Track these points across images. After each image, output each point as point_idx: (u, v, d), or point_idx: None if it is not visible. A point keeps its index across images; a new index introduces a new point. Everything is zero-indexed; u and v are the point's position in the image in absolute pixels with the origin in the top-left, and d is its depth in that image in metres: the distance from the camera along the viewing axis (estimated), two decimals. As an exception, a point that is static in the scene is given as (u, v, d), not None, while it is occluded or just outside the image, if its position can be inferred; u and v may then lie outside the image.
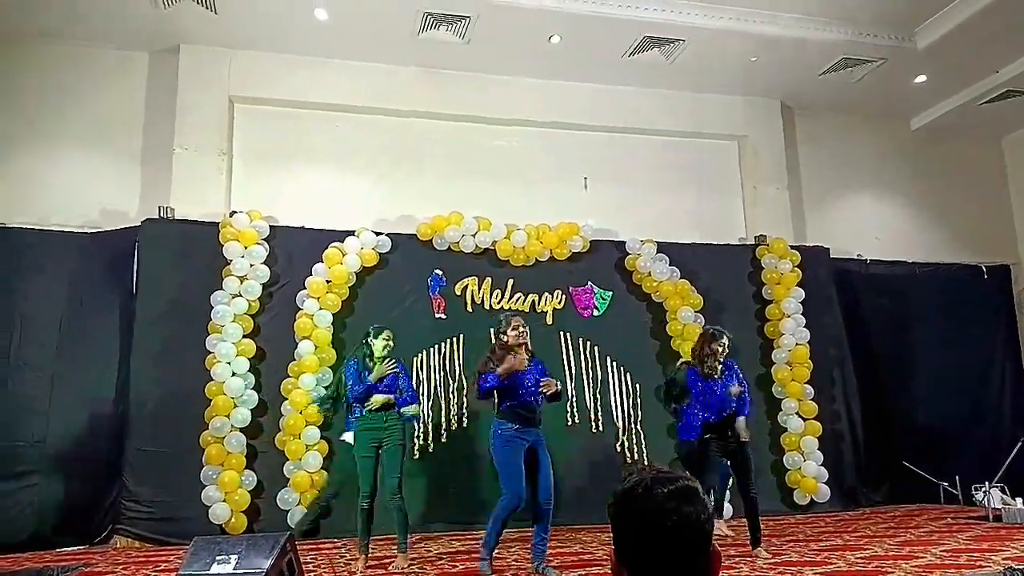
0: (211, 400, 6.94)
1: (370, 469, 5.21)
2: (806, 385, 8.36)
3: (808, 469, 8.12)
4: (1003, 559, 4.69)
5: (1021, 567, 4.26)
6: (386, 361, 5.31)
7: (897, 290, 9.38)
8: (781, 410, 8.30)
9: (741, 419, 5.51)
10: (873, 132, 9.94)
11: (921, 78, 9.00)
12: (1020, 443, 7.95)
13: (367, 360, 5.35)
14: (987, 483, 7.23)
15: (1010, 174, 10.46)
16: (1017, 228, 10.30)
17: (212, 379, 6.99)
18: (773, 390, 8.39)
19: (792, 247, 8.79)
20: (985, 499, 7.07)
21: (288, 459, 7.01)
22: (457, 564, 5.33)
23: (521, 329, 5.03)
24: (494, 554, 4.90)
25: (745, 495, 5.46)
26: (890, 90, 9.22)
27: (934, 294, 9.46)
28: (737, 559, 5.17)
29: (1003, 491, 7.33)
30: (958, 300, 9.52)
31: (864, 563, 4.82)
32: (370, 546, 5.24)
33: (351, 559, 5.56)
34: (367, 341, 5.42)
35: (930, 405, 9.07)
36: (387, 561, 5.35)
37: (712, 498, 5.89)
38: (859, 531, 6.48)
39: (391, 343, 5.42)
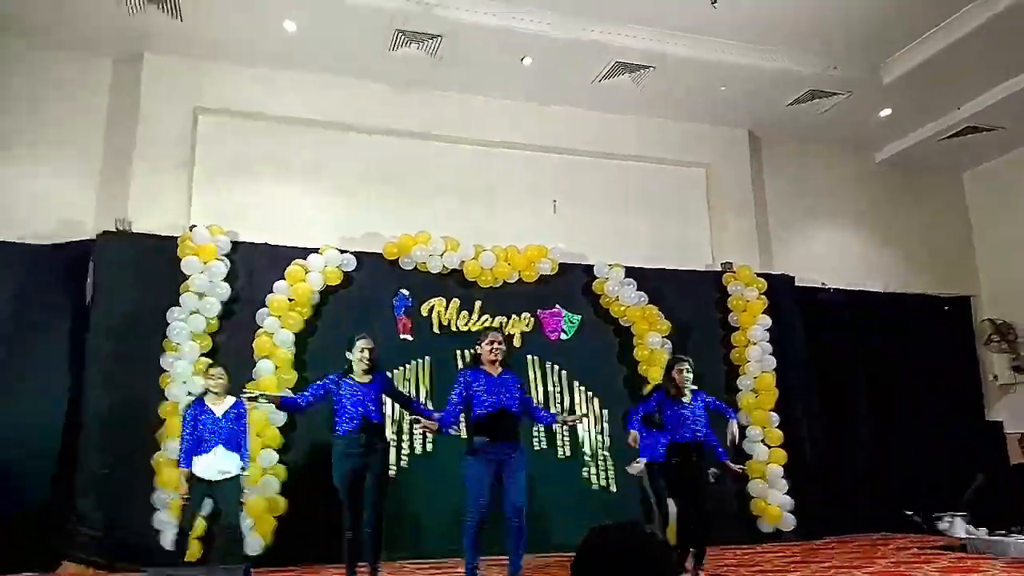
0: (164, 420, 6.66)
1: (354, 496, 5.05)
2: (771, 412, 8.35)
3: (773, 498, 8.08)
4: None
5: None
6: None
7: (860, 319, 9.47)
8: (747, 437, 8.26)
9: (733, 422, 5.76)
10: (838, 163, 10.10)
11: (886, 111, 9.17)
12: (979, 478, 8.02)
13: (346, 372, 5.20)
14: (950, 513, 7.25)
15: (971, 207, 10.68)
16: (978, 261, 10.50)
17: (167, 399, 6.72)
18: (738, 417, 8.34)
19: (758, 274, 8.84)
20: (949, 528, 7.08)
21: (242, 485, 6.72)
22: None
23: (496, 345, 5.11)
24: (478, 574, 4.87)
25: (700, 510, 5.40)
26: (856, 122, 9.38)
27: (896, 324, 9.58)
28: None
29: (967, 520, 7.36)
30: (920, 330, 9.66)
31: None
32: None
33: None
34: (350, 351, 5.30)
35: (892, 434, 9.13)
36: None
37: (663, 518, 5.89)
38: (827, 561, 6.43)
39: (365, 353, 5.23)
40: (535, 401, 7.59)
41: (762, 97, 8.80)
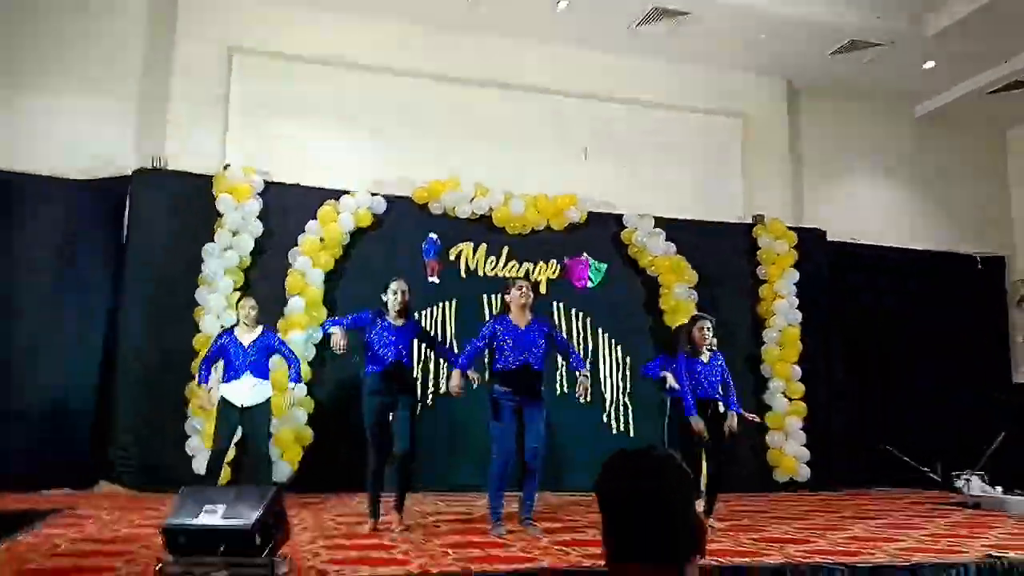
0: (198, 352, 6.89)
1: (381, 433, 5.09)
2: (794, 366, 8.40)
3: (790, 449, 8.18)
4: (982, 546, 4.73)
5: (1001, 555, 4.31)
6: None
7: (890, 276, 9.40)
8: (768, 389, 8.34)
9: (733, 414, 5.64)
10: (877, 117, 9.88)
11: (929, 64, 8.93)
12: (1002, 435, 8.02)
13: (382, 313, 5.23)
14: (968, 471, 7.29)
15: (1011, 167, 10.44)
16: (1015, 220, 10.30)
17: (200, 331, 6.93)
18: (761, 369, 8.42)
19: (789, 228, 8.78)
20: (966, 486, 7.13)
21: (273, 414, 6.96)
22: (445, 525, 5.33)
23: (525, 290, 5.15)
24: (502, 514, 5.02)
25: (714, 465, 5.51)
26: (897, 75, 9.15)
27: (927, 282, 9.50)
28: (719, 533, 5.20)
29: (983, 479, 7.41)
30: (951, 289, 9.57)
31: (846, 543, 4.85)
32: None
33: (337, 515, 5.57)
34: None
35: (916, 391, 9.13)
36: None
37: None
38: (840, 512, 6.53)
39: (399, 296, 5.18)
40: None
41: (802, 46, 8.60)
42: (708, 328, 5.66)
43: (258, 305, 6.00)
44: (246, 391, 5.74)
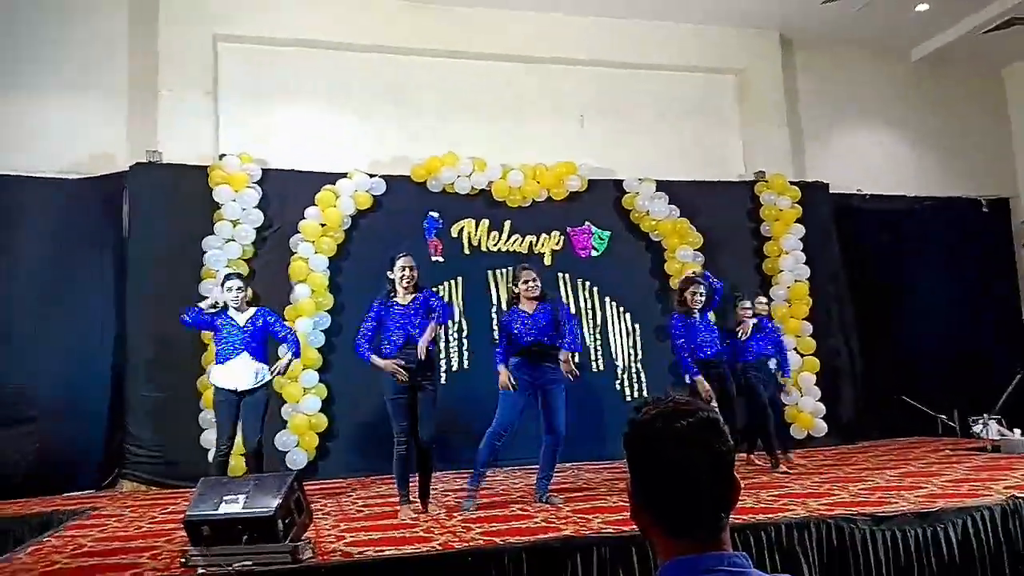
0: (207, 345, 6.88)
1: (403, 410, 4.93)
2: (804, 322, 8.37)
3: (805, 404, 8.17)
4: (1004, 488, 4.72)
5: (1022, 495, 4.30)
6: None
7: (896, 224, 9.31)
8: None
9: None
10: (873, 64, 9.74)
11: (923, 6, 8.78)
12: (1019, 376, 7.99)
13: (389, 295, 5.08)
14: (985, 415, 7.28)
15: (1011, 105, 10.31)
16: (1017, 161, 10.20)
17: (207, 325, 6.91)
18: (772, 327, 8.38)
19: (791, 183, 8.70)
20: (983, 431, 7.12)
21: (286, 402, 6.99)
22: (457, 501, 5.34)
23: (532, 283, 5.27)
24: (480, 487, 5.19)
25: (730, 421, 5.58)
26: (891, 19, 9.00)
27: (933, 228, 9.42)
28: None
29: (1000, 423, 7.39)
30: (957, 234, 9.49)
31: (867, 494, 4.85)
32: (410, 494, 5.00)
33: (358, 499, 5.58)
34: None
35: (928, 339, 9.08)
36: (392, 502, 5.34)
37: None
38: (858, 464, 6.54)
39: (406, 272, 5.03)
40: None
41: (793, -4, 8.46)
42: (701, 293, 5.89)
43: (244, 282, 5.70)
44: (244, 374, 5.37)
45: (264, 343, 5.61)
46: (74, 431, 6.76)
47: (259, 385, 5.43)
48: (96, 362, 6.99)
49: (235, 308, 5.52)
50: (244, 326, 5.48)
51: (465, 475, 6.78)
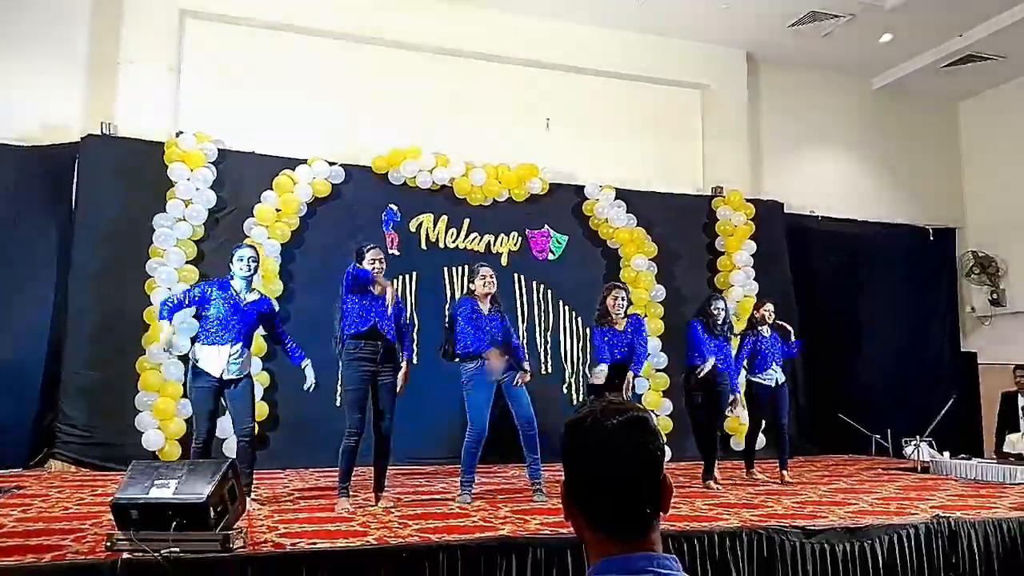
0: (149, 325, 6.73)
1: (359, 403, 4.86)
2: (748, 337, 8.50)
3: (746, 417, 8.28)
4: (931, 507, 4.86)
5: (947, 516, 4.44)
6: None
7: (846, 248, 9.55)
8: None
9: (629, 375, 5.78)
10: (835, 89, 9.98)
11: (887, 37, 9.02)
12: (952, 400, 8.24)
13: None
14: (917, 437, 7.49)
15: (963, 139, 10.64)
16: (965, 193, 10.53)
17: (151, 304, 6.76)
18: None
19: (747, 200, 8.85)
20: (914, 452, 7.33)
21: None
22: (405, 497, 5.31)
23: (488, 279, 5.30)
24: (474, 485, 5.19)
25: None
26: (856, 47, 9.23)
27: (881, 253, 9.68)
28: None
29: (931, 445, 7.61)
30: (904, 260, 9.77)
31: (799, 507, 4.96)
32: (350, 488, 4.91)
33: (294, 489, 5.50)
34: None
35: (870, 361, 9.34)
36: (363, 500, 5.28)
37: None
38: (793, 477, 6.66)
39: (376, 264, 5.01)
40: (519, 328, 7.62)
41: (763, 17, 8.62)
42: (623, 297, 5.86)
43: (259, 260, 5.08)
44: (230, 361, 4.76)
45: (256, 331, 5.11)
46: (6, 408, 6.53)
47: (245, 376, 4.90)
48: (34, 337, 6.78)
49: (244, 282, 4.89)
50: (246, 308, 4.89)
51: (407, 470, 6.78)
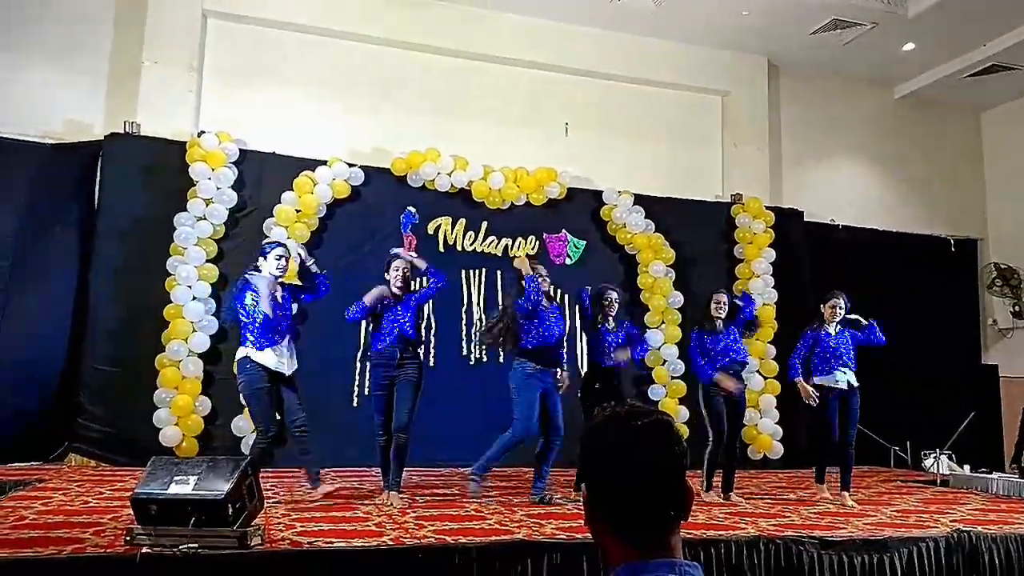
0: (169, 322, 6.78)
1: (381, 406, 5.03)
2: (769, 344, 8.45)
3: (764, 426, 8.26)
4: (950, 521, 4.81)
5: (967, 529, 4.39)
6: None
7: (866, 257, 9.45)
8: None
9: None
10: (856, 98, 9.91)
11: (909, 46, 8.95)
12: (972, 415, 8.14)
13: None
14: (937, 450, 7.41)
15: (986, 149, 10.54)
16: (988, 204, 10.42)
17: (172, 301, 6.82)
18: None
19: (767, 207, 8.80)
20: (933, 465, 7.25)
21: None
22: (421, 498, 5.31)
23: (544, 275, 5.45)
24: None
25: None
26: (878, 56, 9.17)
27: (901, 263, 9.58)
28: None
29: (951, 458, 7.52)
30: (924, 271, 9.67)
31: (817, 518, 4.92)
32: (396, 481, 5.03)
33: (310, 489, 5.51)
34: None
35: (888, 371, 9.21)
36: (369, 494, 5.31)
37: None
38: (811, 488, 6.60)
39: (399, 272, 5.24)
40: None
41: (784, 24, 8.57)
42: (615, 300, 5.91)
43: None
44: (288, 357, 4.98)
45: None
46: (24, 401, 6.60)
47: (294, 371, 5.08)
48: (55, 334, 6.84)
49: (279, 280, 5.01)
50: (282, 301, 5.02)
51: (424, 472, 6.78)
